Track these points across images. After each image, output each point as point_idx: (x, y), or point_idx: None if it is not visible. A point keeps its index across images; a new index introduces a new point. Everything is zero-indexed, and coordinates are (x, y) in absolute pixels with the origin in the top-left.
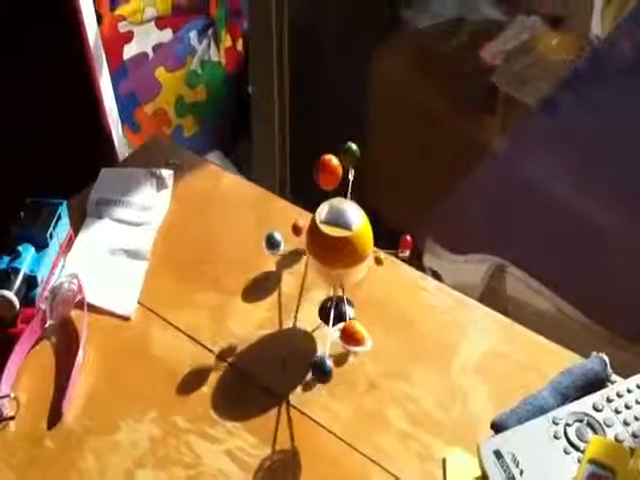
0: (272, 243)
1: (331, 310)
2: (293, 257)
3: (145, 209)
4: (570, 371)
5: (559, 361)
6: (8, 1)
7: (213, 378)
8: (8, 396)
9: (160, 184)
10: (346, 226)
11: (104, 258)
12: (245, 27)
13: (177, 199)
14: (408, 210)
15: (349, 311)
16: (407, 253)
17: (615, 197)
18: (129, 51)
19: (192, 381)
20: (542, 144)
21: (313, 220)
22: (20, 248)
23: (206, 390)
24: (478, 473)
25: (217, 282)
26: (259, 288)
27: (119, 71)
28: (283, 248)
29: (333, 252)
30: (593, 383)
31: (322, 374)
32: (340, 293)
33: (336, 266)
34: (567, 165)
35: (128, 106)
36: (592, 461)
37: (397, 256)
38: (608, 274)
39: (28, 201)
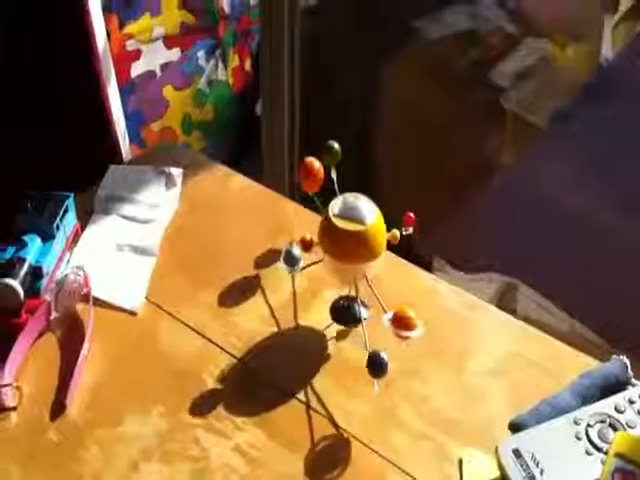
0: (291, 258)
1: (354, 307)
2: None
3: (153, 207)
4: (590, 373)
5: (576, 364)
6: (21, 7)
7: (221, 373)
8: (10, 385)
9: (169, 182)
10: (359, 220)
11: (111, 253)
12: (253, 47)
13: (186, 199)
14: (416, 227)
15: (363, 311)
16: (410, 230)
17: (629, 215)
18: (137, 69)
19: (200, 376)
20: (552, 161)
21: (326, 214)
22: (26, 238)
23: (214, 385)
24: (494, 474)
25: (225, 280)
26: (266, 286)
27: (126, 89)
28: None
29: (346, 246)
30: (614, 385)
31: (379, 368)
32: (354, 292)
33: (349, 261)
34: (578, 183)
35: (135, 123)
36: (619, 455)
37: (402, 234)
38: (621, 293)
39: (34, 193)
